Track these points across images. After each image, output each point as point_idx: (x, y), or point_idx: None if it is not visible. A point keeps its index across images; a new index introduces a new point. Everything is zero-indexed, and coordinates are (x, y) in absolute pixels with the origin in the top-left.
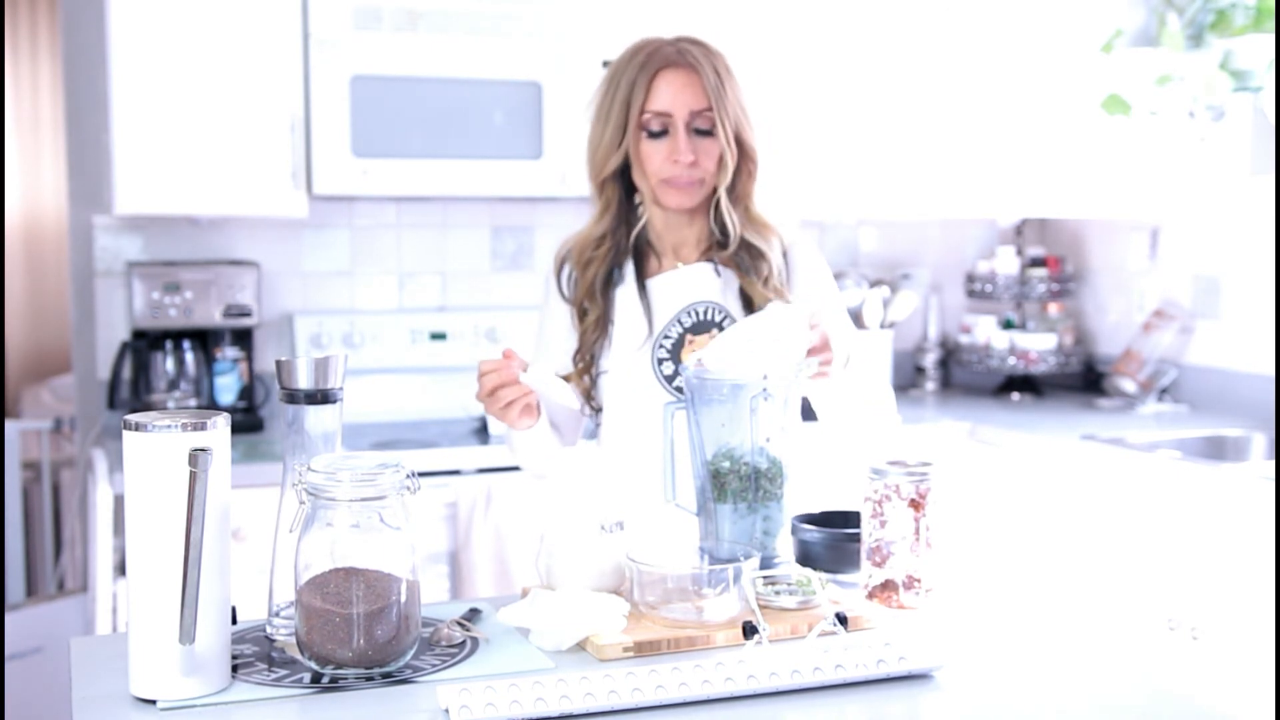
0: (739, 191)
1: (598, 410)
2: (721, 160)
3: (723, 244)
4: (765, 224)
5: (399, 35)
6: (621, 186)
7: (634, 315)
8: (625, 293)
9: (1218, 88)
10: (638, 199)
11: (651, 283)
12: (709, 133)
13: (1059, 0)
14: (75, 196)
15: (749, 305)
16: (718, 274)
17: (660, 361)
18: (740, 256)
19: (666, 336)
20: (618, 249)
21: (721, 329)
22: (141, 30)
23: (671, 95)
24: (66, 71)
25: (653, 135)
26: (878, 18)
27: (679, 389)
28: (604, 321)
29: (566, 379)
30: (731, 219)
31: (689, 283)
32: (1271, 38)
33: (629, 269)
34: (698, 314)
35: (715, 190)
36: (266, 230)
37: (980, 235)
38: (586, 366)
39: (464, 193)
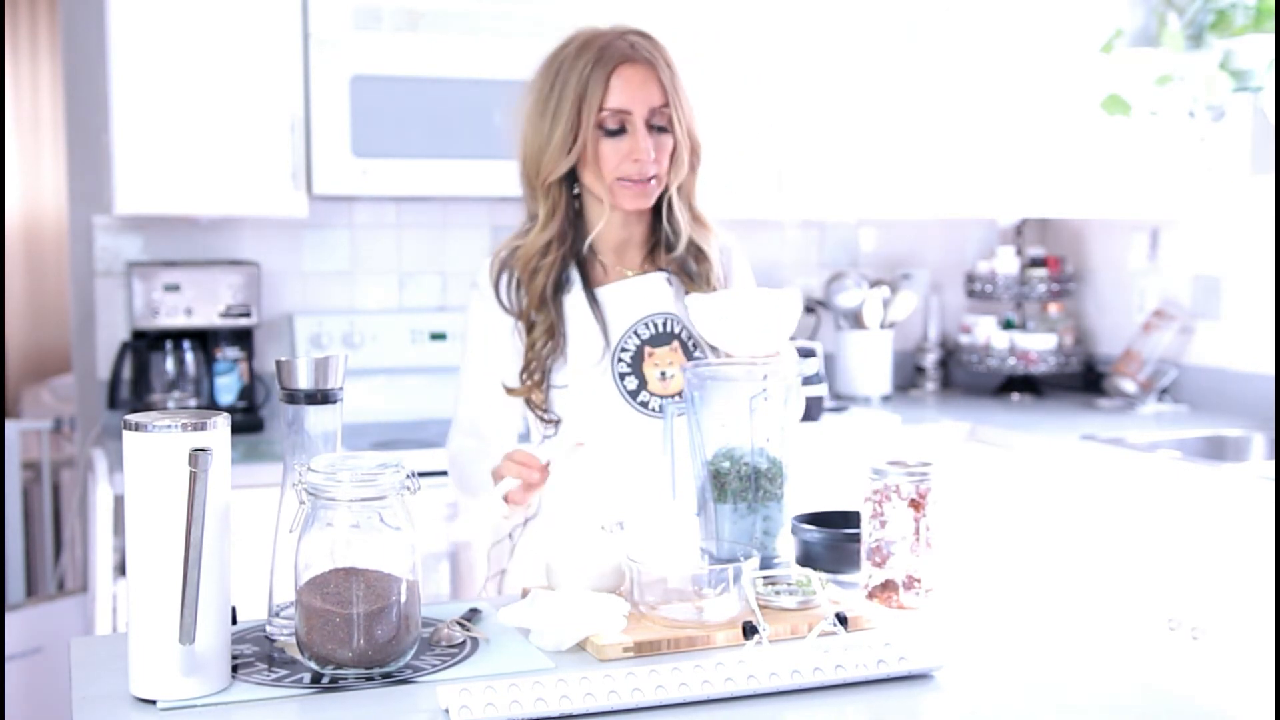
0: (686, 188)
1: (554, 423)
2: (675, 156)
3: (670, 245)
4: (705, 222)
5: (399, 35)
6: (567, 189)
7: (587, 326)
8: (574, 301)
9: (1218, 88)
10: (577, 201)
11: (602, 292)
12: (664, 130)
13: (1059, 0)
14: (75, 196)
15: None
16: (670, 284)
17: (622, 376)
18: (686, 260)
19: (624, 349)
20: (565, 255)
21: (680, 340)
22: (141, 30)
23: (630, 92)
24: (66, 71)
25: (610, 134)
26: (878, 18)
27: (644, 404)
28: (555, 332)
29: (513, 392)
30: (682, 215)
31: (643, 293)
32: (1271, 38)
33: (575, 276)
34: (655, 326)
35: (666, 189)
36: (266, 230)
37: (980, 235)
38: (538, 382)
39: (464, 193)
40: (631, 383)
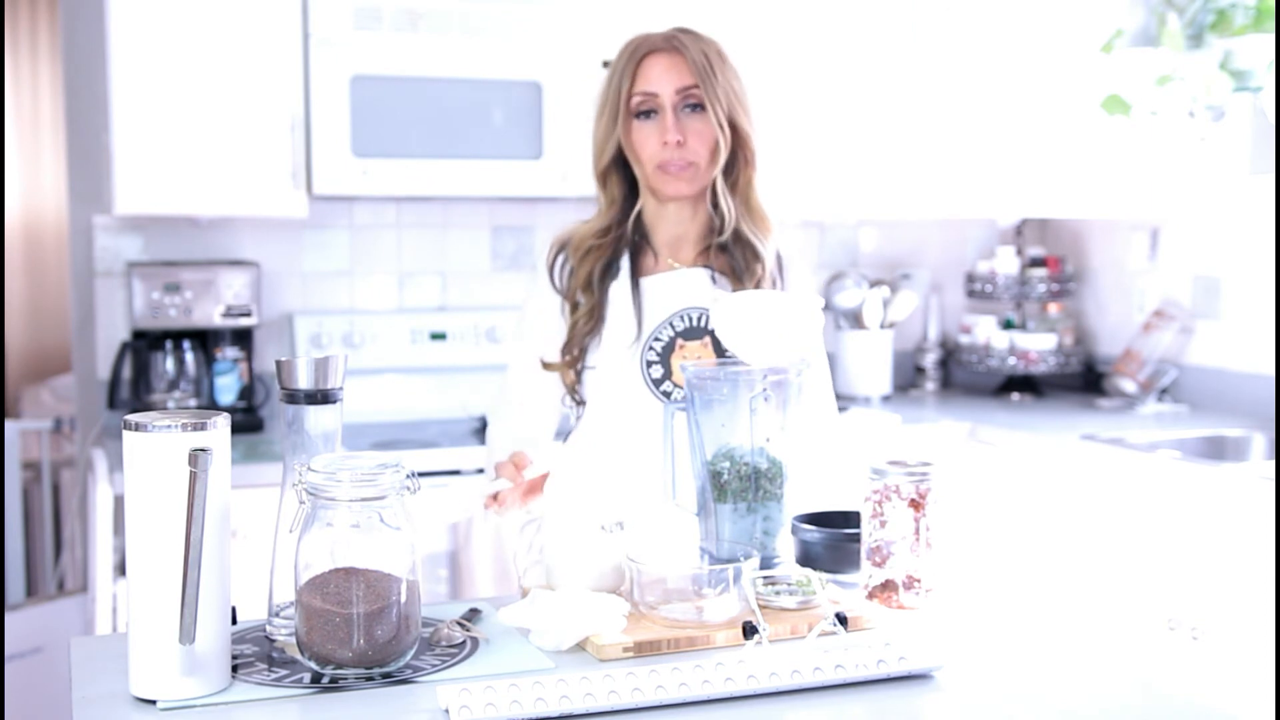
0: (738, 180)
1: (580, 404)
2: (716, 143)
3: (720, 231)
4: (764, 218)
5: (399, 35)
6: (623, 180)
7: (625, 312)
8: (619, 288)
9: (1218, 88)
10: (639, 197)
11: (645, 282)
12: (699, 111)
13: (1059, 0)
14: (75, 196)
15: None
16: (713, 281)
17: (649, 364)
18: (735, 257)
19: (657, 339)
20: (619, 240)
21: (713, 336)
22: (141, 30)
23: (657, 75)
24: (66, 71)
25: (642, 117)
26: (878, 17)
27: (666, 393)
28: (597, 315)
29: (549, 367)
30: (728, 203)
31: (683, 286)
32: (1271, 38)
33: (625, 264)
34: (690, 319)
35: (713, 180)
36: (266, 230)
37: (980, 235)
38: (574, 360)
39: (464, 193)
40: (657, 371)
